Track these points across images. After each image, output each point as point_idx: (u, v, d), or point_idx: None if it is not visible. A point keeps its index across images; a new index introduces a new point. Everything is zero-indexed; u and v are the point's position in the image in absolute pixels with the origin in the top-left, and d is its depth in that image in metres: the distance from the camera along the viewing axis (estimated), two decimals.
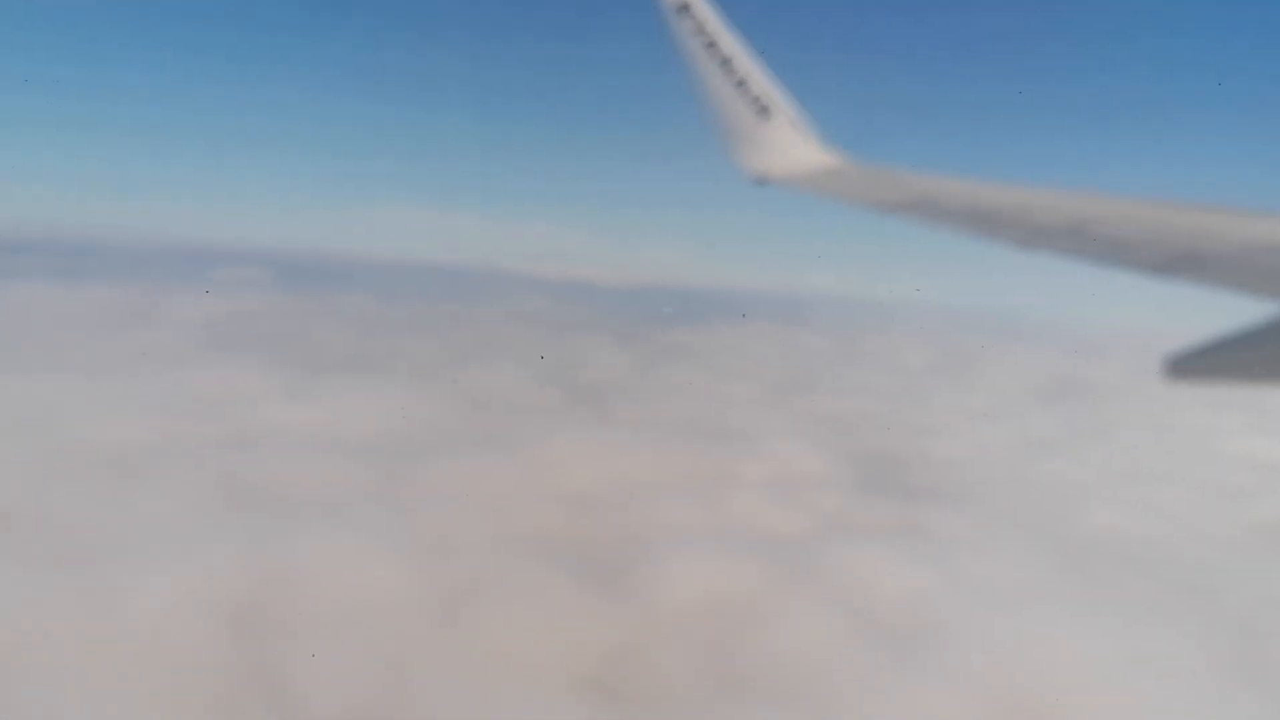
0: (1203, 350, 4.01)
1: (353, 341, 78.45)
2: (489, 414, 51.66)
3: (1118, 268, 4.90)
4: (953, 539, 35.15)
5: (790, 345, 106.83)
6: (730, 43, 8.52)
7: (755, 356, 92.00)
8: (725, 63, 8.50)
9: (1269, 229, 5.16)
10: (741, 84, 8.59)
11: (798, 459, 45.79)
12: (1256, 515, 39.92)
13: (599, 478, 39.80)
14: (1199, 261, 4.76)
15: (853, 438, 52.93)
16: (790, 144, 8.64)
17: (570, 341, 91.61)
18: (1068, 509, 40.21)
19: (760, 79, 8.64)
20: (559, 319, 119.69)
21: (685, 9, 8.42)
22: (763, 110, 8.64)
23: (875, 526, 35.82)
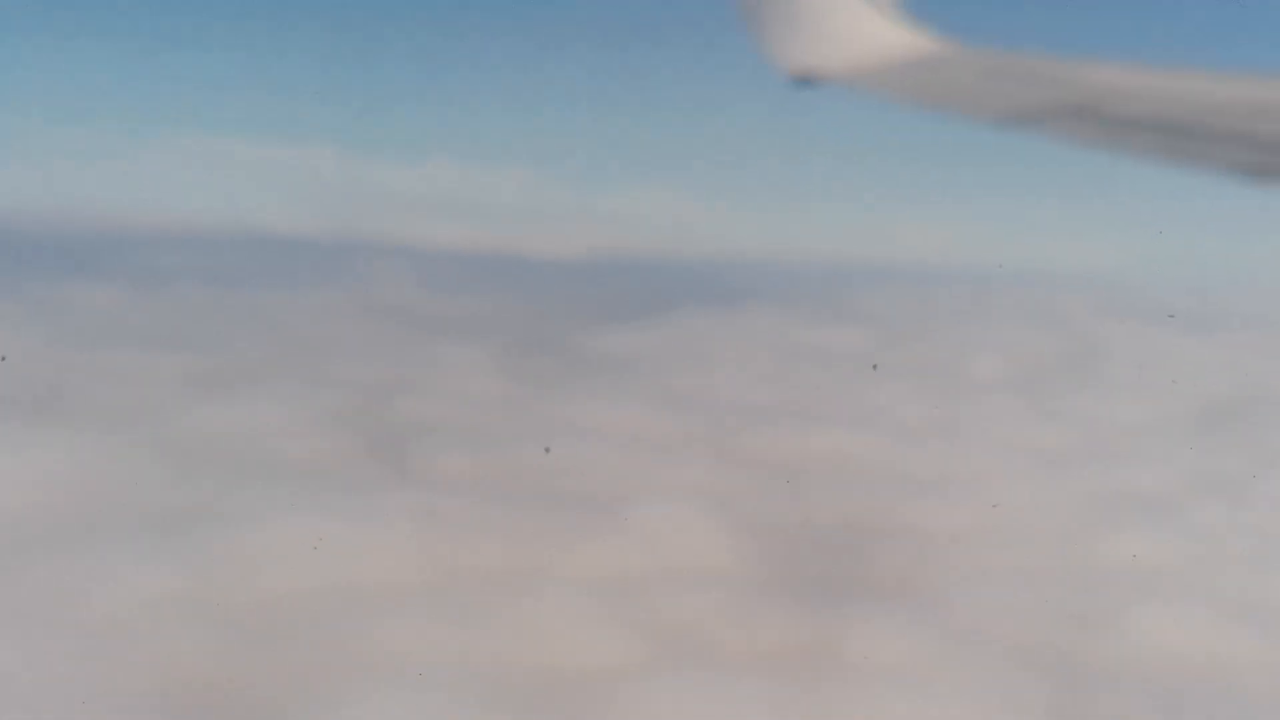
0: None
1: (45, 361, 78.49)
2: (206, 477, 51.48)
3: None
4: (888, 669, 34.55)
5: (799, 347, 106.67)
6: None
7: (725, 368, 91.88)
8: None
9: None
10: None
11: (682, 539, 45.27)
12: None
13: (323, 579, 39.47)
14: None
15: (805, 500, 52.55)
16: (854, 17, 8.47)
17: (428, 352, 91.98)
18: (1113, 614, 39.51)
19: None
20: (431, 313, 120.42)
21: None
22: None
23: (753, 651, 35.22)
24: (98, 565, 39.91)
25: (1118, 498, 53.18)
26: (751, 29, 8.64)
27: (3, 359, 68.60)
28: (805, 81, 8.16)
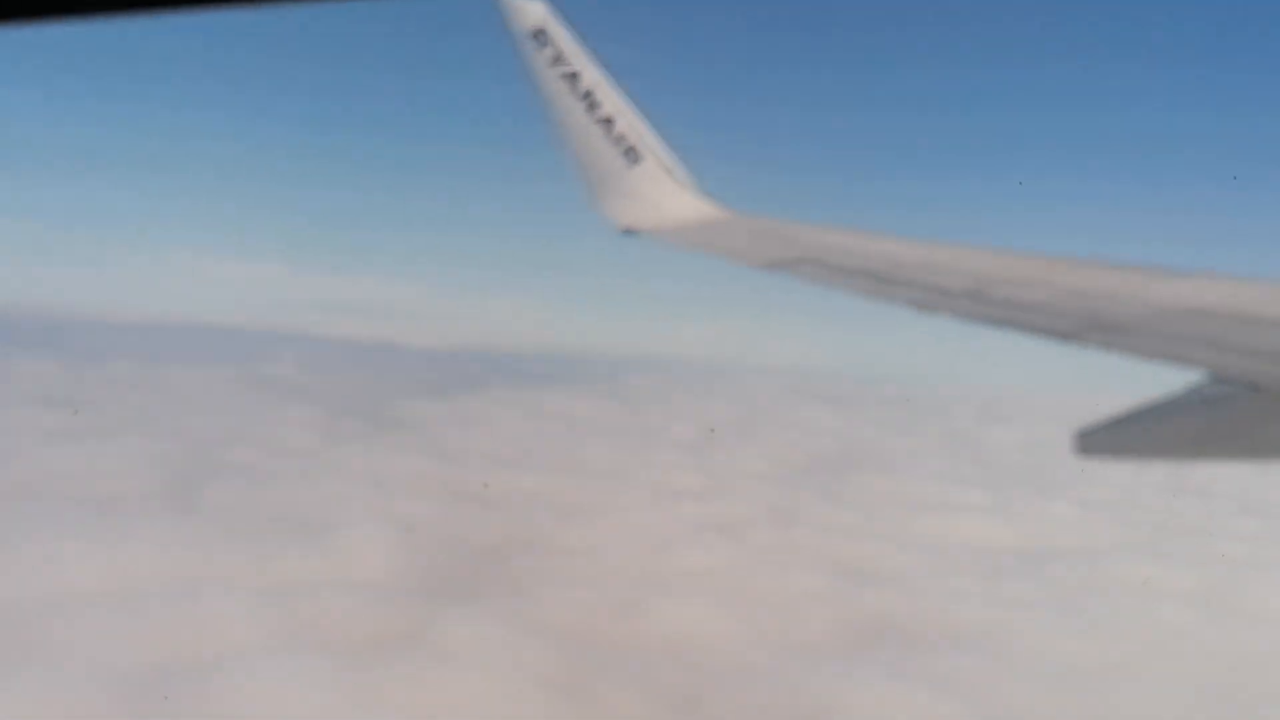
0: (1113, 424, 4.14)
1: None
2: (25, 504, 48.22)
3: (1022, 332, 5.11)
4: (448, 651, 33.46)
5: (561, 416, 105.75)
6: (594, 75, 8.47)
7: (494, 430, 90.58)
8: (588, 97, 8.49)
9: (1181, 291, 5.43)
10: (607, 122, 8.61)
11: (363, 555, 43.78)
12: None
13: (45, 588, 36.79)
14: (1109, 326, 5.04)
15: (484, 524, 51.59)
16: (662, 192, 8.76)
17: (272, 415, 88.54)
18: (645, 605, 39.23)
19: (629, 117, 8.70)
20: (296, 386, 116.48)
21: (541, 35, 8.24)
22: (631, 152, 8.68)
23: (354, 639, 33.89)
24: None
25: (707, 523, 53.38)
26: (588, 194, 8.89)
27: None
28: (628, 233, 8.68)
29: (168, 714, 27.84)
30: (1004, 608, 41.61)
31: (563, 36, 8.44)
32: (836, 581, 42.81)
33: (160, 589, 37.44)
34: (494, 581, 42.29)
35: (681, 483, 65.99)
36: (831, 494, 62.91)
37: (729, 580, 42.87)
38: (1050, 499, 61.23)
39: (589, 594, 40.36)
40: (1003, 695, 34.09)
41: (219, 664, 30.92)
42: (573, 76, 8.49)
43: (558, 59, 8.43)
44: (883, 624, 38.02)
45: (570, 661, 33.40)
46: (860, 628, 37.72)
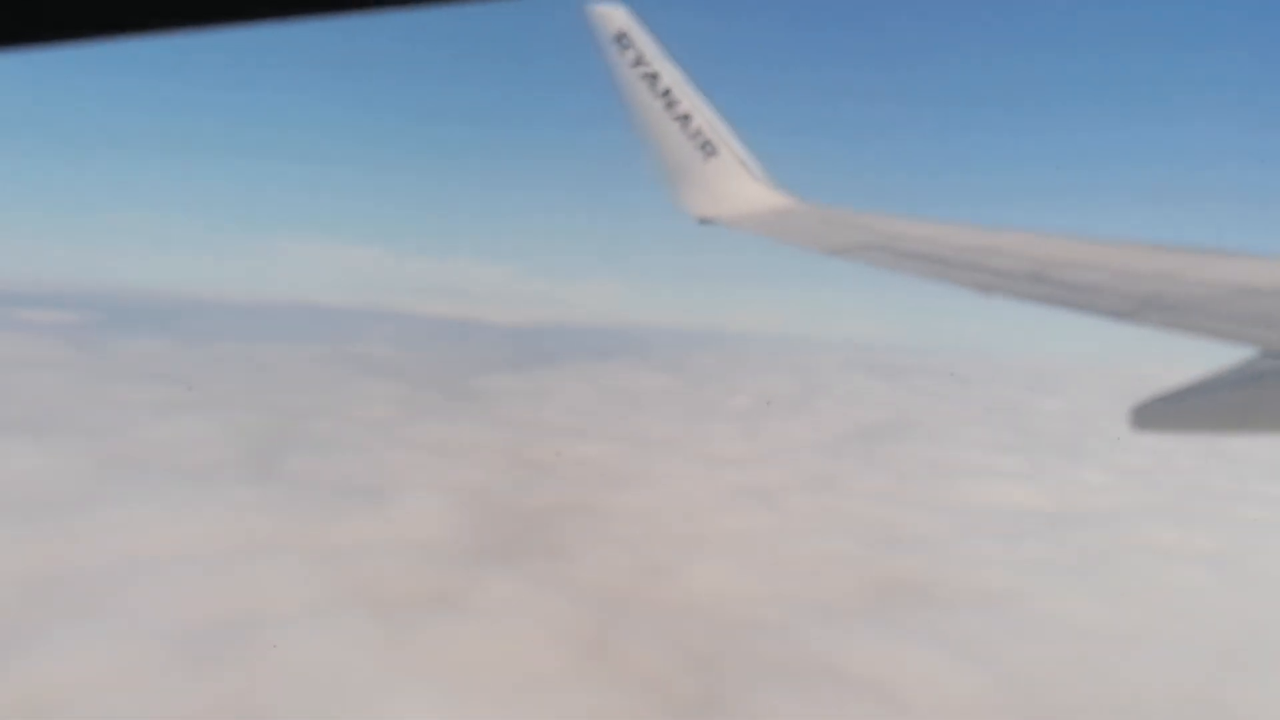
0: (1168, 398, 4.22)
1: (77, 391, 76.63)
2: (104, 475, 50.15)
3: (1081, 312, 5.21)
4: (480, 610, 34.03)
5: (625, 389, 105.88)
6: (673, 75, 8.73)
7: (560, 401, 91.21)
8: (667, 96, 8.73)
9: (1233, 270, 5.52)
10: (685, 119, 8.80)
11: (420, 519, 44.69)
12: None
13: (122, 550, 38.12)
14: (1164, 305, 5.10)
15: (537, 490, 52.17)
16: (737, 183, 8.92)
17: (357, 388, 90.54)
18: (680, 567, 39.37)
19: (705, 114, 8.88)
20: (383, 361, 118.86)
21: (623, 38, 8.53)
22: (708, 147, 8.86)
23: (397, 598, 34.69)
24: None
25: (748, 489, 53.14)
26: (668, 185, 9.06)
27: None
28: (706, 222, 8.85)
29: (223, 665, 28.98)
30: (1027, 571, 40.66)
31: (643, 39, 8.61)
32: (866, 545, 42.35)
33: (230, 551, 38.74)
34: (539, 544, 42.75)
35: (730, 451, 65.76)
36: (872, 461, 62.02)
37: (762, 544, 42.70)
38: (1084, 466, 59.61)
39: (626, 556, 40.63)
40: (1020, 656, 33.42)
41: (271, 621, 31.96)
42: (653, 76, 8.69)
43: (639, 60, 8.63)
44: (907, 586, 37.51)
45: (599, 619, 33.74)
46: (885, 589, 37.29)
